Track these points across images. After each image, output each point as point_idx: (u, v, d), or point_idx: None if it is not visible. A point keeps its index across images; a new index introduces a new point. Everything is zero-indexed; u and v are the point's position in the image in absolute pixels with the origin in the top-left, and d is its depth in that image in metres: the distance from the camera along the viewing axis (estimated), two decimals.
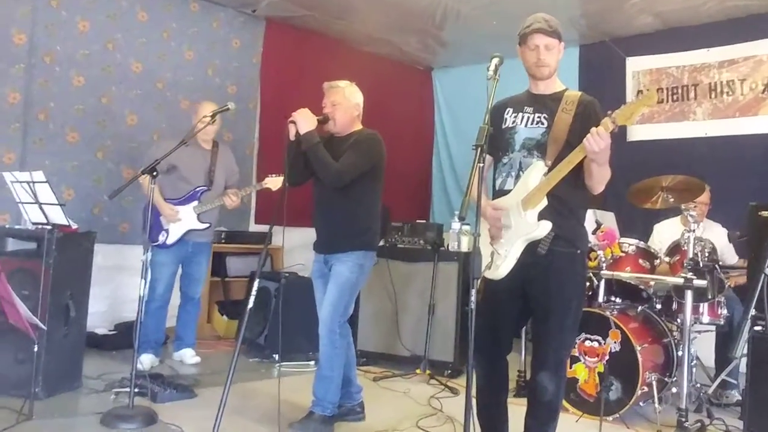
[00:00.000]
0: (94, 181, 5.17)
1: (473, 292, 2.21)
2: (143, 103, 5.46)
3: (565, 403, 3.62)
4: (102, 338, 4.81)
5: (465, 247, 4.74)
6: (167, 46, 5.62)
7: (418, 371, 4.52)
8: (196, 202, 4.53)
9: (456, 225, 4.77)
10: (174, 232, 4.49)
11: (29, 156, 4.83)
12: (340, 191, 3.31)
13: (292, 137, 3.24)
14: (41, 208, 3.58)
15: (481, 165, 2.29)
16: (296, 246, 5.68)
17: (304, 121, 3.23)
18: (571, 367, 3.72)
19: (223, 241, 5.68)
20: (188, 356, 4.62)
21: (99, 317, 4.75)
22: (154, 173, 3.50)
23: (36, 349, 3.30)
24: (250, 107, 6.22)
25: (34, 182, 3.49)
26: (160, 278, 4.46)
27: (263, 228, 6.14)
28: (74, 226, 3.72)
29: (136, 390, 3.35)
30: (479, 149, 2.27)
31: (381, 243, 5.06)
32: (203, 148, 4.61)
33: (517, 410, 2.69)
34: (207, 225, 4.55)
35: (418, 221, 5.24)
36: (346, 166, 3.26)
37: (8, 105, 4.74)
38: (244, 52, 6.16)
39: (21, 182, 3.56)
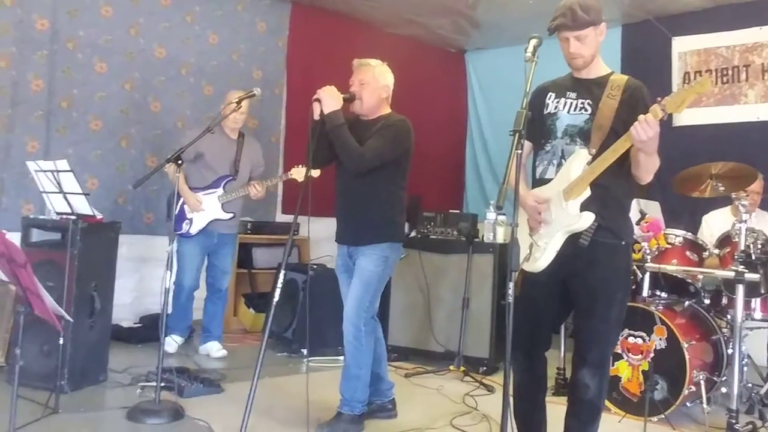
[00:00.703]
0: (118, 169, 5.26)
1: (511, 285, 2.19)
2: (167, 90, 5.53)
3: (607, 402, 3.58)
4: (127, 331, 4.91)
5: (501, 238, 4.71)
6: (191, 31, 5.67)
7: (451, 368, 4.52)
8: (221, 191, 4.58)
9: (491, 215, 4.74)
10: (198, 222, 4.55)
11: (52, 144, 4.93)
12: (363, 179, 3.28)
13: (316, 116, 3.18)
14: (65, 198, 3.65)
15: (519, 151, 2.25)
16: (324, 237, 5.67)
17: (329, 99, 3.17)
18: (613, 365, 3.68)
19: (249, 232, 5.74)
20: (214, 350, 4.68)
21: (124, 310, 4.85)
22: (180, 162, 3.54)
23: (62, 341, 3.38)
24: (276, 93, 6.26)
25: (58, 171, 3.55)
26: (185, 269, 4.54)
27: (290, 218, 6.16)
28: (99, 216, 3.78)
29: (163, 384, 3.40)
30: (517, 135, 2.24)
31: (413, 234, 5.07)
32: (230, 137, 4.66)
33: (556, 410, 2.68)
34: (231, 215, 4.60)
35: (451, 211, 5.22)
36: (370, 151, 3.22)
37: (32, 93, 4.84)
38: (269, 35, 6.19)
39: (45, 171, 3.62)
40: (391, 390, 3.60)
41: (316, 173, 4.56)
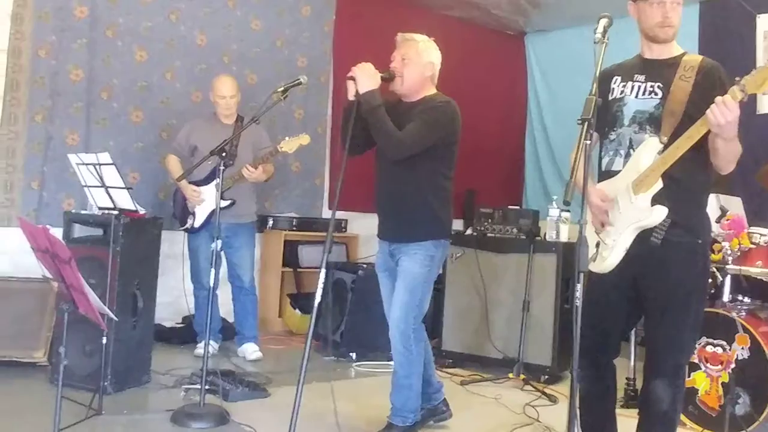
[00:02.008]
0: (160, 163, 5.39)
1: (578, 287, 2.19)
2: (208, 79, 5.59)
3: (682, 416, 3.53)
4: (169, 331, 5.09)
5: (565, 236, 4.70)
6: (233, 16, 5.79)
7: (510, 375, 4.52)
8: (217, 180, 4.65)
9: (554, 211, 4.73)
10: (200, 215, 4.69)
11: (93, 137, 5.12)
12: (404, 168, 3.21)
13: (351, 96, 3.08)
14: (108, 192, 3.79)
15: (588, 142, 2.24)
16: (373, 234, 5.75)
17: (365, 78, 3.06)
18: (689, 376, 3.63)
19: (294, 228, 5.84)
20: (249, 351, 4.79)
21: (166, 309, 4.98)
22: (224, 154, 3.64)
23: (104, 340, 3.52)
24: (322, 81, 6.33)
25: (100, 164, 3.69)
26: (199, 266, 4.69)
27: (338, 214, 6.24)
28: (142, 211, 3.92)
29: (207, 387, 3.51)
30: (586, 124, 2.23)
31: (468, 231, 5.08)
32: (223, 123, 4.74)
33: (625, 423, 2.67)
34: (230, 201, 4.62)
35: (510, 207, 5.22)
36: (409, 135, 3.12)
37: (71, 83, 5.02)
38: (315, 20, 6.27)
39: (87, 164, 3.77)
40: (441, 391, 3.60)
41: (305, 140, 4.55)
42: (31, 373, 3.99)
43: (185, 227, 4.75)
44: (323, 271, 2.84)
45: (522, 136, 7.65)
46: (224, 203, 4.60)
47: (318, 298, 2.83)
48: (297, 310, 5.76)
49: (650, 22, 2.51)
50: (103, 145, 5.01)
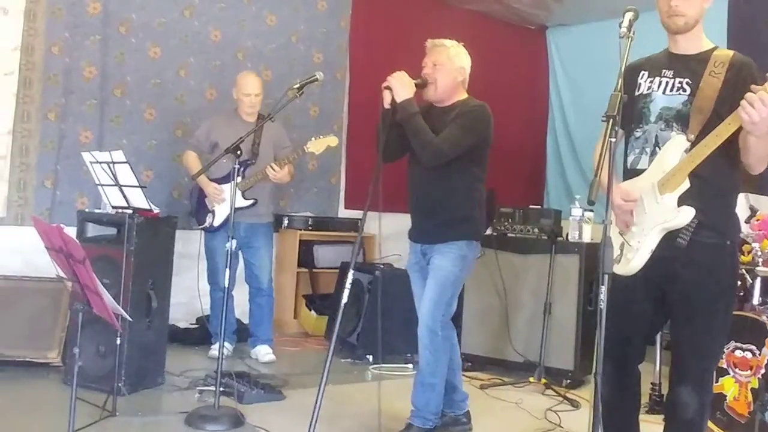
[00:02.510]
0: (174, 161, 5.46)
1: (603, 289, 2.18)
2: (222, 76, 5.69)
3: (710, 423, 3.51)
4: (183, 332, 5.14)
5: (588, 236, 4.69)
6: (247, 11, 5.84)
7: (531, 379, 4.52)
8: (239, 179, 4.68)
9: (577, 211, 4.71)
10: (219, 213, 4.70)
11: (106, 135, 5.18)
12: (439, 172, 3.31)
13: (386, 105, 3.21)
14: (121, 191, 3.83)
15: (613, 140, 2.22)
16: (390, 234, 5.74)
17: (400, 87, 3.20)
18: (717, 381, 3.60)
19: (310, 228, 5.87)
20: (262, 353, 4.82)
21: (180, 309, 5.02)
22: (239, 152, 3.68)
23: (119, 341, 3.57)
24: (338, 77, 6.36)
25: (114, 163, 3.73)
26: (216, 266, 4.71)
27: (354, 214, 6.28)
28: (156, 210, 3.96)
29: (222, 389, 3.54)
30: (611, 120, 2.21)
31: (488, 231, 5.08)
32: (245, 121, 4.77)
33: (650, 429, 2.67)
34: (252, 201, 4.67)
35: (531, 207, 5.22)
36: (447, 141, 3.25)
37: (84, 80, 5.09)
38: (331, 15, 6.30)
39: (100, 163, 3.81)
40: (466, 402, 3.64)
41: (333, 142, 4.62)
42: (45, 374, 4.05)
43: (203, 226, 4.77)
44: (351, 272, 2.89)
45: (543, 134, 7.64)
46: (246, 203, 4.66)
47: (344, 300, 2.86)
48: (312, 312, 5.80)
49: (661, 12, 2.50)
50: (116, 143, 5.08)
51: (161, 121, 5.43)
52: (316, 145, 4.58)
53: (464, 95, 3.46)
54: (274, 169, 4.57)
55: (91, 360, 3.75)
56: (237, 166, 3.68)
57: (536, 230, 4.88)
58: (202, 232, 4.83)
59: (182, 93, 5.53)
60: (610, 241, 2.25)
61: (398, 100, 3.20)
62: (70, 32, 5.00)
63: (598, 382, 2.19)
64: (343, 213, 6.39)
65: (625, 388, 2.62)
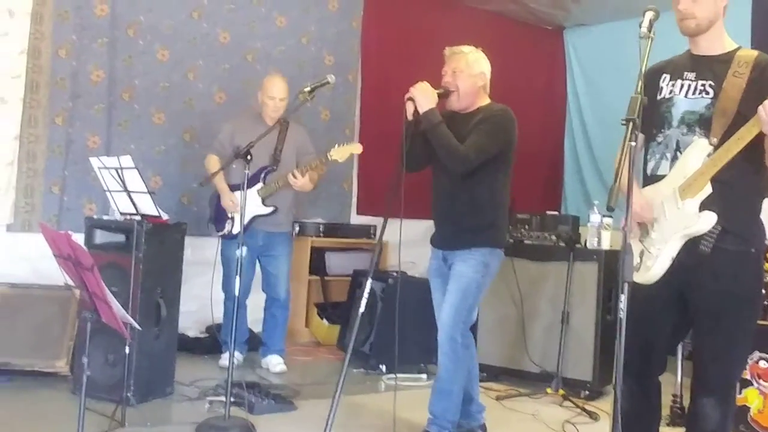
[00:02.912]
0: (182, 166, 5.49)
1: (623, 298, 2.18)
2: (232, 79, 5.72)
3: None
4: (193, 341, 5.17)
5: (607, 243, 4.68)
6: (257, 13, 5.86)
7: (548, 391, 4.51)
8: (260, 185, 4.70)
9: (596, 217, 4.71)
10: (239, 220, 4.68)
11: (114, 140, 5.22)
12: (465, 179, 3.36)
13: (410, 116, 3.29)
14: (130, 197, 3.87)
15: (633, 144, 2.22)
16: (404, 241, 5.77)
17: (423, 97, 3.28)
18: (740, 393, 3.60)
19: (321, 234, 5.89)
20: (273, 364, 4.84)
21: (189, 318, 5.06)
22: (249, 157, 3.70)
23: (127, 350, 3.60)
24: (350, 80, 6.38)
25: (122, 168, 3.77)
26: (232, 274, 4.68)
27: (366, 220, 6.29)
28: (165, 216, 4.00)
29: (232, 399, 3.56)
30: (631, 124, 2.22)
31: None
32: (268, 126, 4.74)
33: None
34: (272, 209, 4.68)
35: (548, 212, 5.22)
36: (473, 148, 3.29)
37: (92, 84, 5.12)
38: (342, 16, 6.32)
39: (108, 168, 3.85)
40: (482, 414, 3.65)
41: (357, 149, 4.67)
42: (53, 383, 4.09)
43: (222, 233, 4.75)
44: (369, 281, 2.89)
45: (561, 137, 7.63)
46: (266, 210, 4.67)
47: (362, 309, 2.87)
48: (324, 320, 5.82)
49: (676, 17, 2.51)
50: (124, 148, 5.10)
51: (170, 125, 5.46)
52: (340, 153, 4.58)
53: (486, 100, 3.51)
54: (295, 177, 4.58)
55: (100, 369, 3.77)
56: (247, 172, 3.70)
57: (554, 237, 4.88)
58: (219, 239, 4.79)
59: (191, 96, 5.56)
60: (630, 249, 2.26)
61: (421, 111, 3.28)
62: (77, 35, 5.03)
63: (618, 394, 2.19)
64: (356, 219, 6.40)
65: (645, 400, 2.63)
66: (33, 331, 4.21)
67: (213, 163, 4.80)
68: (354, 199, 6.44)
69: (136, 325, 3.12)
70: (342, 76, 6.17)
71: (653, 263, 2.51)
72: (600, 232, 4.69)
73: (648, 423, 2.66)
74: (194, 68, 5.58)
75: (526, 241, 5.00)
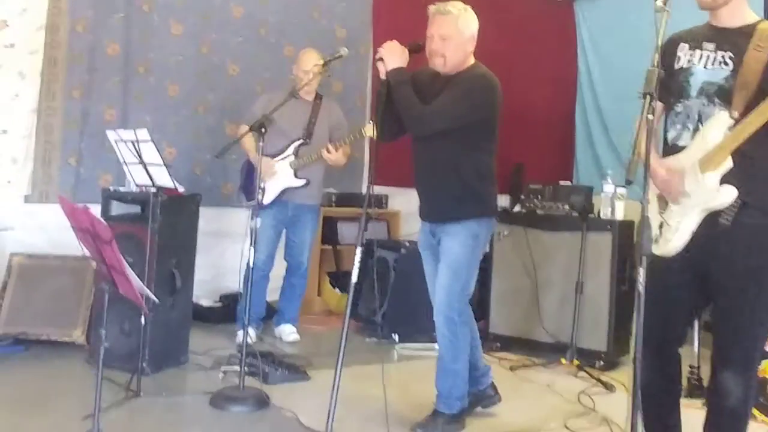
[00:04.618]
0: (195, 138, 5.42)
1: (641, 271, 2.10)
2: (245, 52, 5.63)
3: (754, 409, 3.39)
4: (207, 310, 5.10)
5: (620, 213, 4.56)
6: None
7: (563, 361, 4.41)
8: (292, 157, 4.63)
9: (609, 187, 4.58)
10: (270, 191, 4.61)
11: (130, 112, 5.14)
12: (441, 145, 3.17)
13: (382, 77, 3.08)
14: (146, 169, 3.77)
15: (651, 117, 2.15)
16: (415, 210, 5.66)
17: (391, 56, 3.06)
18: (762, 366, 3.49)
19: (333, 204, 5.81)
20: (286, 333, 4.79)
21: (203, 287, 4.99)
22: (264, 130, 3.61)
23: (143, 321, 3.54)
24: (362, 52, 6.24)
25: (138, 141, 3.67)
26: (258, 244, 4.62)
27: (378, 189, 6.18)
28: (180, 189, 3.91)
29: (246, 369, 3.51)
30: (648, 97, 2.14)
31: (516, 208, 4.98)
32: (304, 99, 4.69)
33: (689, 414, 2.59)
34: (304, 181, 4.62)
35: (561, 183, 5.09)
36: (434, 110, 3.09)
37: (108, 58, 5.04)
38: None
39: (125, 141, 3.76)
40: (488, 375, 3.55)
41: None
42: (69, 353, 4.04)
43: (252, 203, 4.66)
44: (359, 249, 2.83)
45: (572, 108, 7.44)
46: (298, 182, 4.63)
47: (354, 279, 2.80)
48: (336, 289, 5.77)
49: None
50: (140, 120, 5.03)
51: (184, 97, 5.37)
52: (372, 129, 4.46)
53: (471, 61, 3.26)
54: (329, 151, 4.51)
55: (115, 339, 3.72)
56: (262, 144, 3.63)
57: (566, 207, 4.75)
58: (250, 209, 4.66)
59: (204, 69, 5.46)
60: (649, 222, 2.17)
61: (388, 68, 3.06)
62: (93, 10, 4.96)
63: (636, 368, 2.12)
64: None
65: (664, 374, 2.53)
66: (49, 301, 4.17)
67: (247, 135, 4.69)
68: (365, 169, 6.33)
69: (155, 299, 3.04)
70: (353, 49, 5.99)
71: (672, 236, 2.43)
72: (614, 202, 4.57)
73: (668, 396, 2.57)
74: (208, 42, 5.48)
75: (539, 211, 4.87)
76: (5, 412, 3.26)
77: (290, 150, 4.64)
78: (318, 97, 4.77)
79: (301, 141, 4.65)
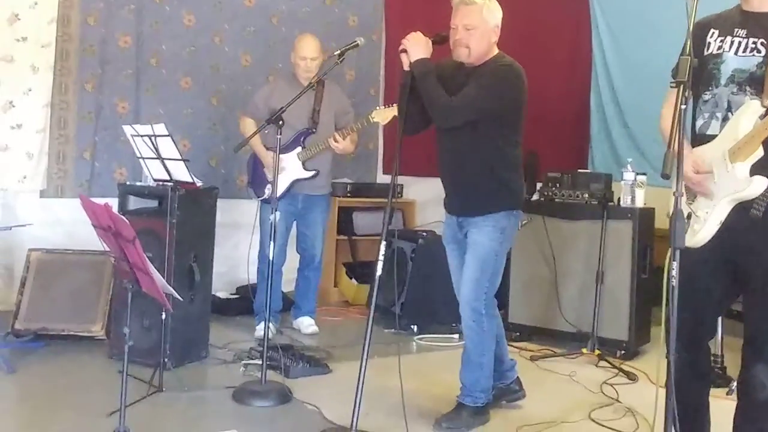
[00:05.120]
0: (210, 130, 5.40)
1: (674, 265, 2.07)
2: (257, 42, 5.61)
3: None
4: (224, 303, 5.10)
5: (641, 201, 4.51)
6: None
7: (584, 351, 4.39)
8: (299, 149, 4.55)
9: (629, 175, 4.52)
10: (279, 184, 4.51)
11: (143, 105, 5.13)
12: (466, 137, 3.13)
13: (406, 68, 3.06)
14: (164, 164, 3.75)
15: (684, 107, 2.09)
16: (431, 199, 5.67)
17: (415, 47, 3.04)
18: None
19: (348, 195, 5.78)
20: (305, 325, 4.76)
21: (219, 279, 4.95)
22: (281, 122, 3.58)
23: (164, 316, 3.53)
24: (374, 40, 6.20)
25: (156, 136, 3.65)
26: (268, 239, 4.59)
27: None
28: (198, 183, 3.89)
29: (267, 363, 3.49)
30: (681, 87, 2.08)
31: (535, 197, 4.93)
32: (304, 86, 4.61)
33: (713, 404, 2.56)
34: (313, 173, 4.55)
35: (580, 171, 5.05)
36: (460, 101, 3.05)
37: (120, 50, 5.03)
38: None
39: (142, 136, 3.74)
40: (514, 369, 3.53)
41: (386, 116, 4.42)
42: (89, 347, 4.03)
43: (262, 198, 4.59)
44: (383, 243, 2.82)
45: (587, 96, 7.38)
46: (307, 174, 4.55)
47: (379, 272, 2.80)
48: (353, 280, 5.74)
49: None
50: (152, 112, 5.04)
51: (197, 89, 5.36)
52: (381, 115, 4.42)
53: (495, 51, 3.23)
54: (336, 140, 4.44)
55: (136, 334, 3.61)
56: (279, 137, 3.57)
57: (586, 195, 4.69)
58: (259, 202, 4.64)
59: (217, 60, 5.45)
60: (682, 214, 2.13)
61: (412, 59, 3.04)
62: (105, 2, 4.95)
63: (672, 364, 2.07)
64: (382, 179, 6.27)
65: (693, 367, 2.49)
66: (68, 296, 4.16)
67: (248, 126, 4.60)
68: (380, 159, 6.31)
69: (178, 296, 3.02)
70: (366, 37, 5.94)
71: (701, 227, 2.38)
72: (634, 190, 4.51)
73: (696, 389, 2.53)
74: (220, 32, 5.46)
75: (557, 200, 4.81)
76: (30, 407, 3.27)
77: (299, 141, 4.55)
78: (320, 83, 4.65)
79: (309, 131, 4.57)
